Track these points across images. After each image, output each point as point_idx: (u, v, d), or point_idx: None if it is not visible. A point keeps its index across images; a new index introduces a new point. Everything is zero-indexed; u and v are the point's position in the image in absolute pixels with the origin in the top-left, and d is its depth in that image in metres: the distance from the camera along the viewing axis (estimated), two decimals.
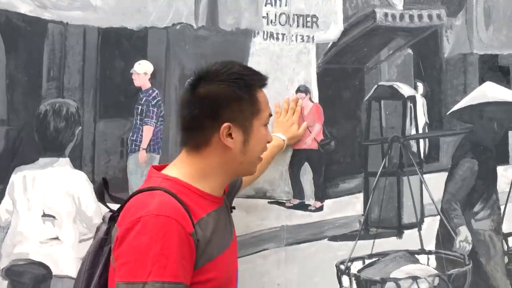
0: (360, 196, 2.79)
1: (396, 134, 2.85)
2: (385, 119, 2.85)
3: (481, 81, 3.07)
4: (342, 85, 2.81)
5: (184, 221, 1.12)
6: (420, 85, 3.11)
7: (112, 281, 1.17)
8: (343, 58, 2.88)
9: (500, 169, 2.97)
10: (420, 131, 2.93)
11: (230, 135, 1.22)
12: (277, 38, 2.76)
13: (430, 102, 2.96)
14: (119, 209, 1.24)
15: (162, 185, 1.20)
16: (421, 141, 3.01)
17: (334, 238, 2.69)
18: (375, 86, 2.85)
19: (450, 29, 3.06)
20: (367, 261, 2.67)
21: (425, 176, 2.84)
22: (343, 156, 2.83)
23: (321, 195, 2.76)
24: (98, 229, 1.30)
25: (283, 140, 2.06)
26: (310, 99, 2.89)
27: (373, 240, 2.69)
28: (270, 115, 1.35)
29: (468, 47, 3.10)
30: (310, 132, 2.92)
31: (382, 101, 2.85)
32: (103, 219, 1.26)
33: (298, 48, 2.81)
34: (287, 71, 2.76)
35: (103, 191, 1.31)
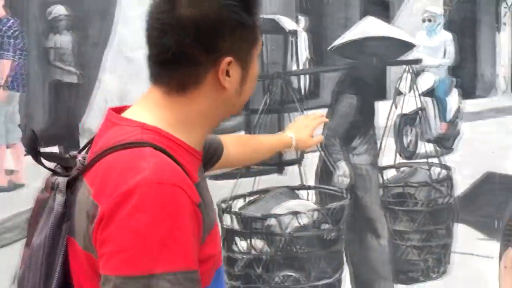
0: (242, 133, 2.87)
1: (278, 70, 2.90)
2: (267, 54, 2.92)
3: (363, 15, 3.25)
4: None
5: (190, 188, 0.90)
6: (302, 19, 3.23)
7: (79, 269, 0.94)
8: None
9: (378, 104, 3.19)
10: (302, 66, 3.08)
11: (227, 72, 0.98)
12: None
13: (312, 37, 3.07)
14: (81, 171, 0.96)
15: (145, 138, 0.93)
16: (303, 77, 3.16)
17: (215, 177, 2.75)
18: None
19: None
20: (249, 199, 2.78)
21: (306, 112, 2.98)
22: None
23: None
24: (43, 200, 1.00)
25: (291, 137, 1.60)
26: None
27: (254, 177, 2.82)
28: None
29: None
30: None
31: (264, 35, 2.91)
32: (54, 185, 0.97)
33: None
34: None
35: (36, 147, 1.00)
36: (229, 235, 2.69)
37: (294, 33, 3.03)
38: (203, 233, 0.93)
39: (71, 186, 0.96)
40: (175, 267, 0.86)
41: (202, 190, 0.96)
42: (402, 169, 3.31)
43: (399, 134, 3.32)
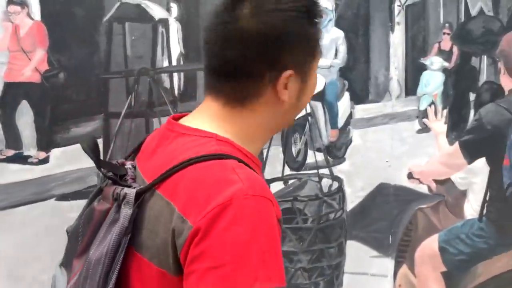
0: (99, 142, 2.53)
1: (144, 66, 2.68)
2: (130, 46, 2.68)
3: None
4: None
5: (276, 203, 0.95)
6: (174, 6, 2.95)
7: (144, 286, 0.97)
8: None
9: None
10: (174, 62, 2.85)
11: (285, 85, 1.02)
12: None
13: (186, 28, 2.83)
14: (154, 184, 0.97)
15: (223, 150, 0.97)
16: (175, 75, 2.92)
17: (64, 197, 2.49)
18: (118, 3, 2.62)
19: None
20: None
21: None
22: (76, 92, 2.61)
23: (46, 144, 2.53)
24: (102, 211, 1.02)
25: None
26: (28, 14, 2.54)
27: None
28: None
29: None
30: (30, 60, 2.60)
31: (127, 23, 2.66)
32: (119, 196, 0.98)
33: None
34: None
35: (99, 156, 1.04)
36: None
37: (165, 22, 2.78)
38: None
39: (138, 199, 0.98)
40: (273, 283, 0.89)
41: None
42: (290, 181, 3.17)
43: (286, 142, 3.16)
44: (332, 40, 3.24)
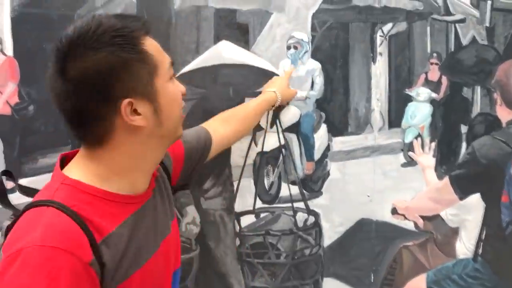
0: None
1: None
2: None
3: (217, 39, 3.25)
4: (45, 35, 2.73)
5: (79, 249, 1.07)
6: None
7: None
8: (47, 1, 2.79)
9: None
10: None
11: (135, 111, 1.13)
12: None
13: None
14: (13, 222, 1.12)
15: (58, 195, 1.11)
16: None
17: None
18: None
19: None
20: None
21: None
22: (45, 124, 2.77)
23: (13, 174, 2.68)
24: None
25: (274, 91, 1.85)
26: (1, 50, 2.72)
27: None
28: (171, 63, 1.20)
29: None
30: (1, 93, 2.82)
31: None
32: (1, 229, 1.16)
33: None
34: None
35: (4, 189, 1.22)
36: None
37: None
38: (108, 284, 1.10)
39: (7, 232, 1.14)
40: None
41: (120, 239, 1.13)
42: (262, 215, 3.27)
43: (259, 174, 3.31)
44: (308, 71, 3.46)
